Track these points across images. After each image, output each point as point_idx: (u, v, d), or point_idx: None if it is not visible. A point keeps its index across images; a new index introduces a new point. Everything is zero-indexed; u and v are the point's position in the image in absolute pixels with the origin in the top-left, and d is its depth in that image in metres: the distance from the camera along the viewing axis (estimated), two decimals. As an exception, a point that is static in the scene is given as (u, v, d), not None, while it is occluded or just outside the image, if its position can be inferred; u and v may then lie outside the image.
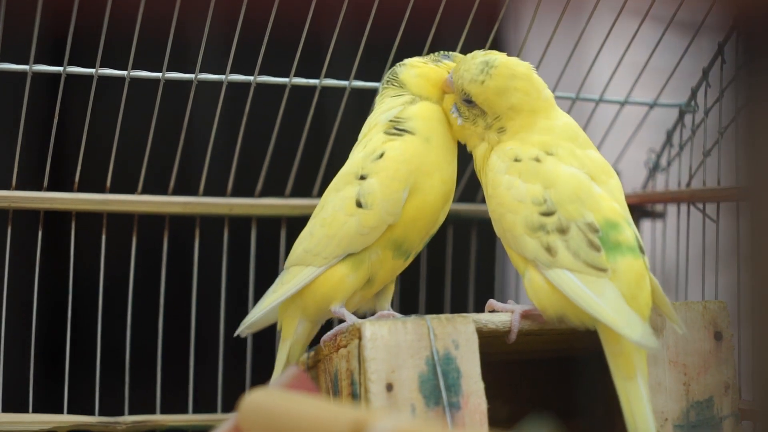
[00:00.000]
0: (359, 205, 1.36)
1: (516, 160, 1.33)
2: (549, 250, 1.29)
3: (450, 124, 1.40)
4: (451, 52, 1.45)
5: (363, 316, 1.38)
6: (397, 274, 1.42)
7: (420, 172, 1.37)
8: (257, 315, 1.43)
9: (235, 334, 1.47)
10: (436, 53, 1.45)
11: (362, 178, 1.37)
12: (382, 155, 1.37)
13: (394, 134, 1.38)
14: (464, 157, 1.44)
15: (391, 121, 1.39)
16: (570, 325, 1.31)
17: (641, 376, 1.27)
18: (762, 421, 0.94)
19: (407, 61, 1.44)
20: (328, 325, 1.47)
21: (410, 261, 1.41)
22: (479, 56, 1.37)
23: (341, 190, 1.39)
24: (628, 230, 1.30)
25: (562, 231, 1.29)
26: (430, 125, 1.39)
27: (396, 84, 1.43)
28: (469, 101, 1.36)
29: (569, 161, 1.33)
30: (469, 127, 1.38)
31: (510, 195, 1.32)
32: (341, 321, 1.37)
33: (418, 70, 1.42)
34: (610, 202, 1.31)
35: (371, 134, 1.41)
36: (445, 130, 1.40)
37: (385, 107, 1.42)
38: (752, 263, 0.96)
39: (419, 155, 1.37)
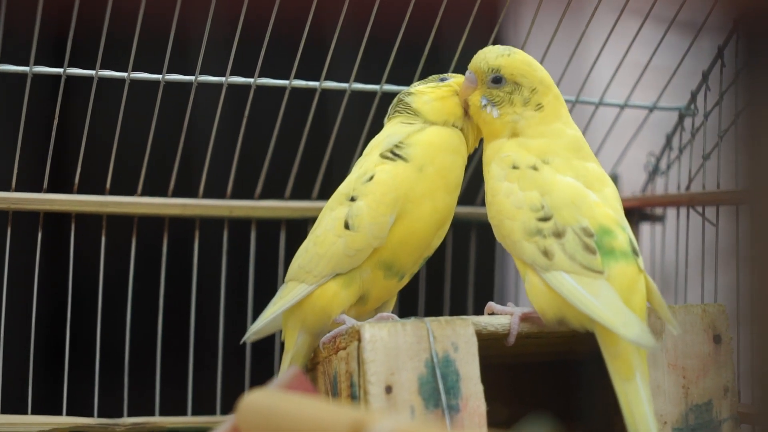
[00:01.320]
0: (347, 226, 1.37)
1: (514, 167, 1.34)
2: (546, 253, 1.30)
3: (458, 151, 1.40)
4: (446, 74, 1.45)
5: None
6: (392, 293, 1.42)
7: (407, 199, 1.37)
8: (259, 325, 1.43)
9: (242, 342, 1.47)
10: (431, 77, 1.45)
11: (352, 199, 1.38)
12: (371, 178, 1.38)
13: (388, 158, 1.38)
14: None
15: (394, 145, 1.39)
16: (569, 327, 1.31)
17: (641, 377, 1.27)
18: (762, 424, 0.94)
19: (413, 89, 1.44)
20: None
21: (405, 281, 1.41)
22: (492, 46, 1.40)
23: (334, 209, 1.40)
24: (621, 235, 1.31)
25: (558, 235, 1.30)
26: (428, 153, 1.38)
27: (410, 112, 1.42)
28: (498, 79, 1.37)
29: (564, 171, 1.34)
30: (506, 111, 1.37)
31: (509, 202, 1.33)
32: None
33: (431, 95, 1.42)
34: (605, 208, 1.32)
35: (370, 156, 1.41)
36: (450, 157, 1.39)
37: (393, 131, 1.42)
38: (752, 266, 0.96)
39: (408, 182, 1.37)
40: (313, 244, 1.40)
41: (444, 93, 1.42)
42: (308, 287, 1.39)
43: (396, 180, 1.37)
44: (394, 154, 1.38)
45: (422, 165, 1.38)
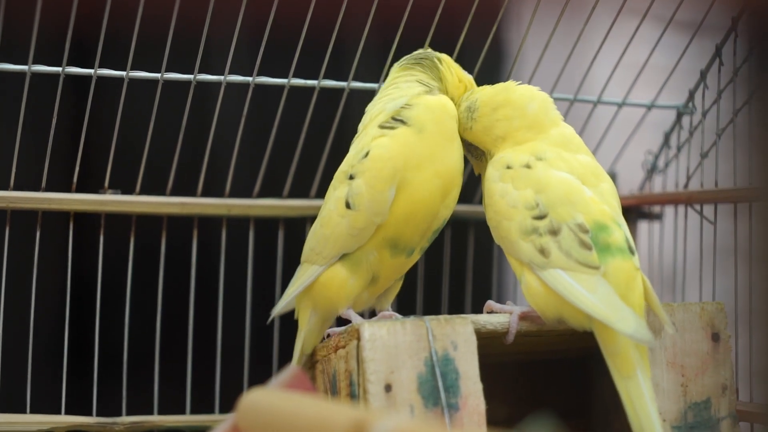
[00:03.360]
0: (348, 206, 1.37)
1: (508, 167, 1.35)
2: (542, 251, 1.30)
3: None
4: None
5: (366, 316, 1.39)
6: (403, 271, 1.42)
7: (408, 167, 1.36)
8: (282, 305, 1.44)
9: (269, 321, 1.48)
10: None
11: (351, 178, 1.38)
12: (367, 154, 1.37)
13: (386, 128, 1.38)
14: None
15: (400, 107, 1.38)
16: (568, 326, 1.31)
17: (642, 373, 1.27)
18: (765, 422, 0.94)
19: (446, 59, 1.44)
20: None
21: (416, 257, 1.40)
22: (464, 101, 1.42)
23: (336, 188, 1.40)
24: (617, 232, 1.31)
25: (554, 232, 1.30)
26: (431, 116, 1.38)
27: (433, 76, 1.43)
28: (469, 146, 1.42)
29: (558, 165, 1.34)
30: (479, 165, 1.44)
31: (504, 202, 1.34)
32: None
33: (458, 73, 1.44)
34: (600, 204, 1.33)
35: (368, 128, 1.40)
36: (451, 123, 1.39)
37: (397, 94, 1.41)
38: (760, 264, 0.95)
39: (407, 149, 1.36)
40: (320, 226, 1.40)
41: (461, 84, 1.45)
42: (319, 268, 1.39)
43: (392, 151, 1.36)
44: (395, 119, 1.38)
45: (422, 127, 1.37)
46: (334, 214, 1.38)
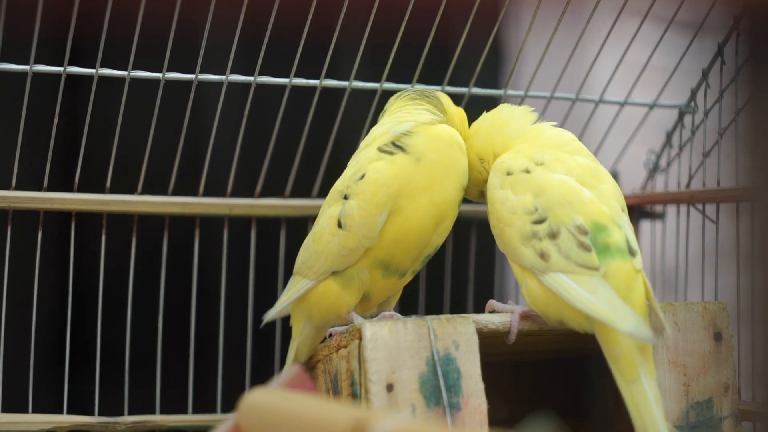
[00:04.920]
0: (340, 225, 1.37)
1: (508, 173, 1.35)
2: (543, 256, 1.30)
3: (463, 149, 1.41)
4: None
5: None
6: (396, 289, 1.42)
7: (402, 194, 1.35)
8: (272, 314, 1.45)
9: (261, 325, 1.49)
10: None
11: (345, 197, 1.38)
12: (363, 176, 1.37)
13: (385, 152, 1.37)
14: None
15: (401, 133, 1.38)
16: (570, 328, 1.31)
17: (646, 376, 1.26)
18: (765, 422, 0.94)
19: (443, 95, 1.45)
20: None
21: (408, 278, 1.41)
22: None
23: (331, 206, 1.40)
24: (617, 233, 1.31)
25: (553, 236, 1.30)
26: (431, 145, 1.37)
27: (438, 108, 1.43)
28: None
29: (557, 168, 1.34)
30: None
31: (504, 209, 1.34)
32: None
33: (459, 112, 1.46)
34: (599, 205, 1.32)
35: (368, 148, 1.40)
36: (454, 153, 1.38)
37: (407, 118, 1.41)
38: (755, 263, 0.95)
39: (402, 176, 1.36)
40: (313, 241, 1.41)
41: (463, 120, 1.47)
42: (309, 282, 1.40)
43: (387, 177, 1.36)
44: (395, 145, 1.38)
45: (421, 155, 1.36)
46: (326, 231, 1.39)
